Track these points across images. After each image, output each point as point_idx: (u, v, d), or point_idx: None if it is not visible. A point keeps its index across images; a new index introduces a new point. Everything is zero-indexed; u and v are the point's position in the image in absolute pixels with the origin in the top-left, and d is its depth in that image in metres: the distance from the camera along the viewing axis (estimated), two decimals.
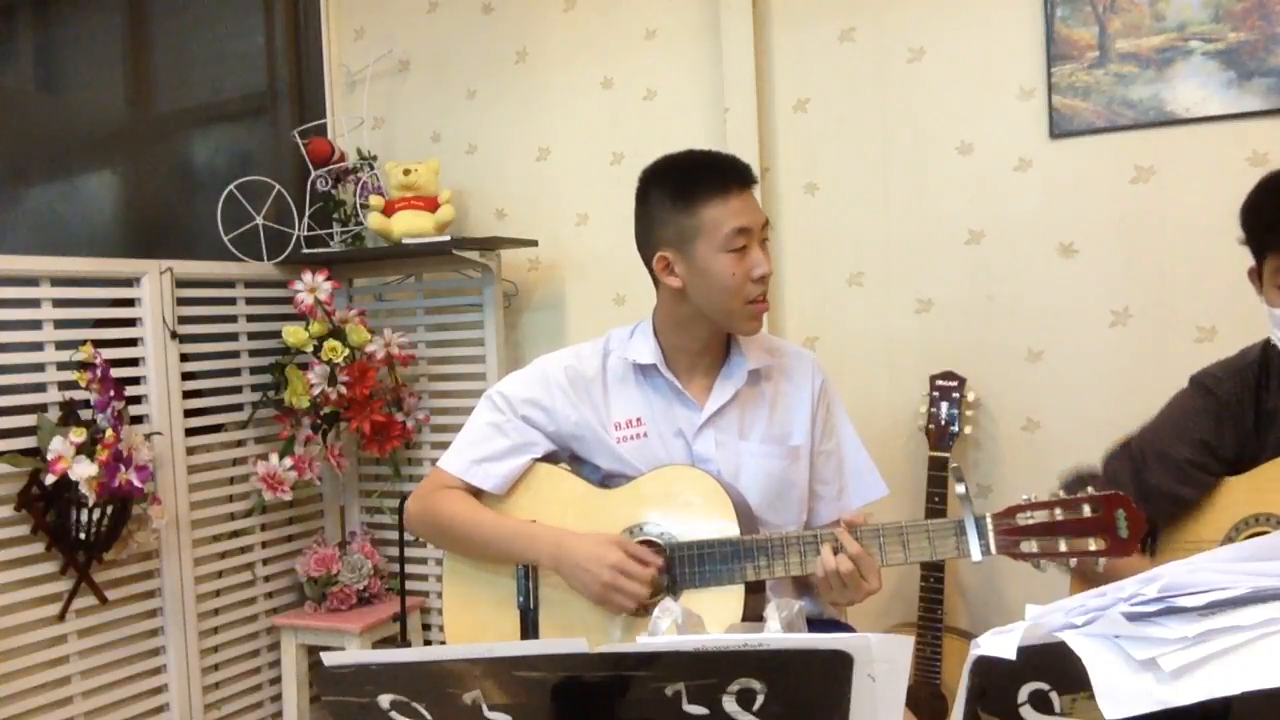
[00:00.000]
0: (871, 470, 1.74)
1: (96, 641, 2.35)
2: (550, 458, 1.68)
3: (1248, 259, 1.60)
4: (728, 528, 1.50)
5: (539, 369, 1.70)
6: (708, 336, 1.65)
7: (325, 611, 2.74)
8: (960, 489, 1.40)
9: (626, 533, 1.56)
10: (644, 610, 1.51)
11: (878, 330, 2.52)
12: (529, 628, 1.56)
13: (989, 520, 1.39)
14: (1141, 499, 1.56)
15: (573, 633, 1.55)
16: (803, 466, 1.68)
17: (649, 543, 1.55)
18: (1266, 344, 1.64)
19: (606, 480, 1.67)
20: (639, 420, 1.65)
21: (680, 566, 1.51)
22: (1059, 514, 1.36)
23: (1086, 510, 1.35)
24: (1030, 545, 1.37)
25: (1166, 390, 1.71)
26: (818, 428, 1.70)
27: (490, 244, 2.74)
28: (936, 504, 2.27)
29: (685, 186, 1.59)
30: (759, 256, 1.56)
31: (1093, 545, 1.34)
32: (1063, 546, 1.35)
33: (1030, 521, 1.37)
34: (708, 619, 1.37)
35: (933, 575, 2.27)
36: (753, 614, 1.51)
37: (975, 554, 1.38)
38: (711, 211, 1.56)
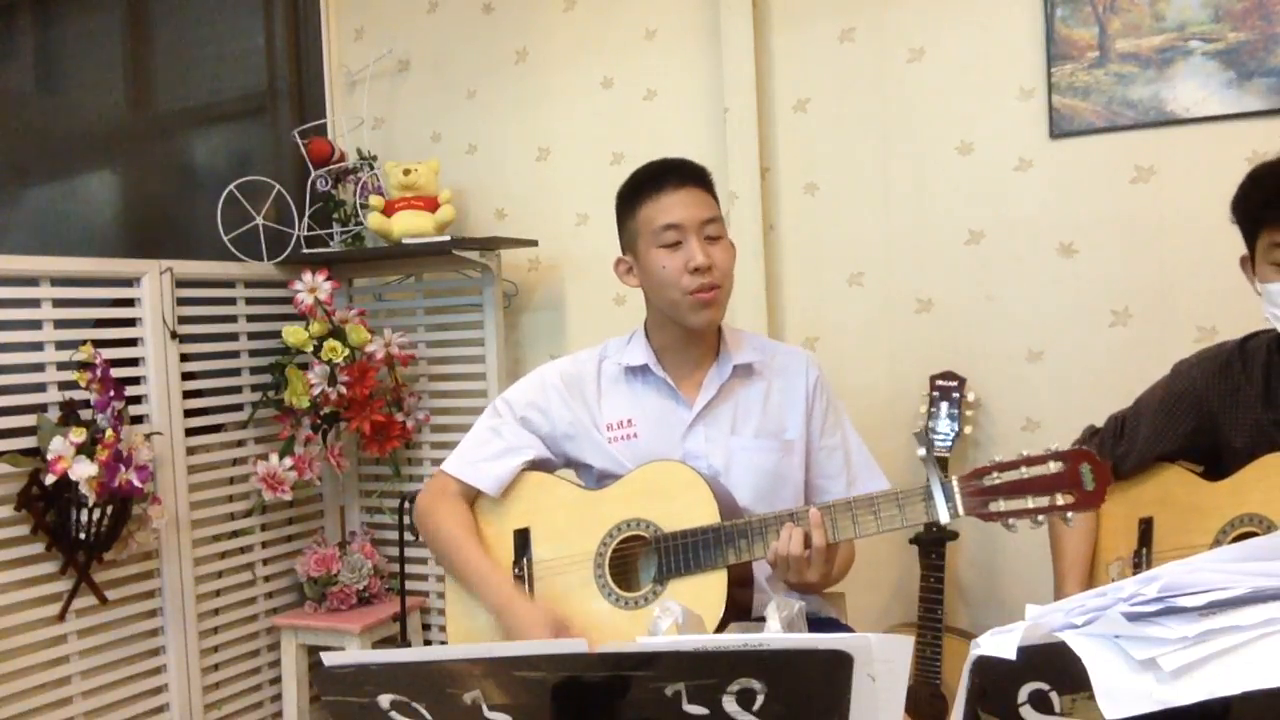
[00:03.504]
0: (873, 465, 1.77)
1: (96, 641, 2.35)
2: (545, 466, 1.74)
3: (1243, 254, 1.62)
4: (710, 516, 1.54)
5: (537, 375, 1.79)
6: (683, 334, 1.70)
7: (325, 611, 2.74)
8: (921, 452, 1.43)
9: (615, 529, 1.60)
10: (628, 601, 1.55)
11: (878, 330, 2.52)
12: None
13: (955, 483, 1.41)
14: (1100, 457, 1.72)
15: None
16: (796, 461, 1.71)
17: (636, 537, 1.59)
18: (1250, 336, 1.66)
19: (600, 481, 1.72)
20: (629, 421, 1.71)
21: (665, 557, 1.54)
22: (1025, 472, 1.38)
23: (1052, 466, 1.36)
24: (999, 505, 1.38)
25: None
26: (815, 422, 1.74)
27: (490, 244, 2.74)
28: None
29: (629, 192, 1.72)
30: (693, 249, 1.61)
31: (1060, 500, 1.36)
32: (1030, 503, 1.37)
33: (997, 481, 1.38)
34: (694, 605, 1.41)
35: (933, 575, 2.27)
36: (738, 597, 1.54)
37: (943, 516, 1.40)
38: (645, 210, 1.67)
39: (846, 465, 1.75)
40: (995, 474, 1.39)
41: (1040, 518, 1.37)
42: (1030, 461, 1.38)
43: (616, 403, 1.73)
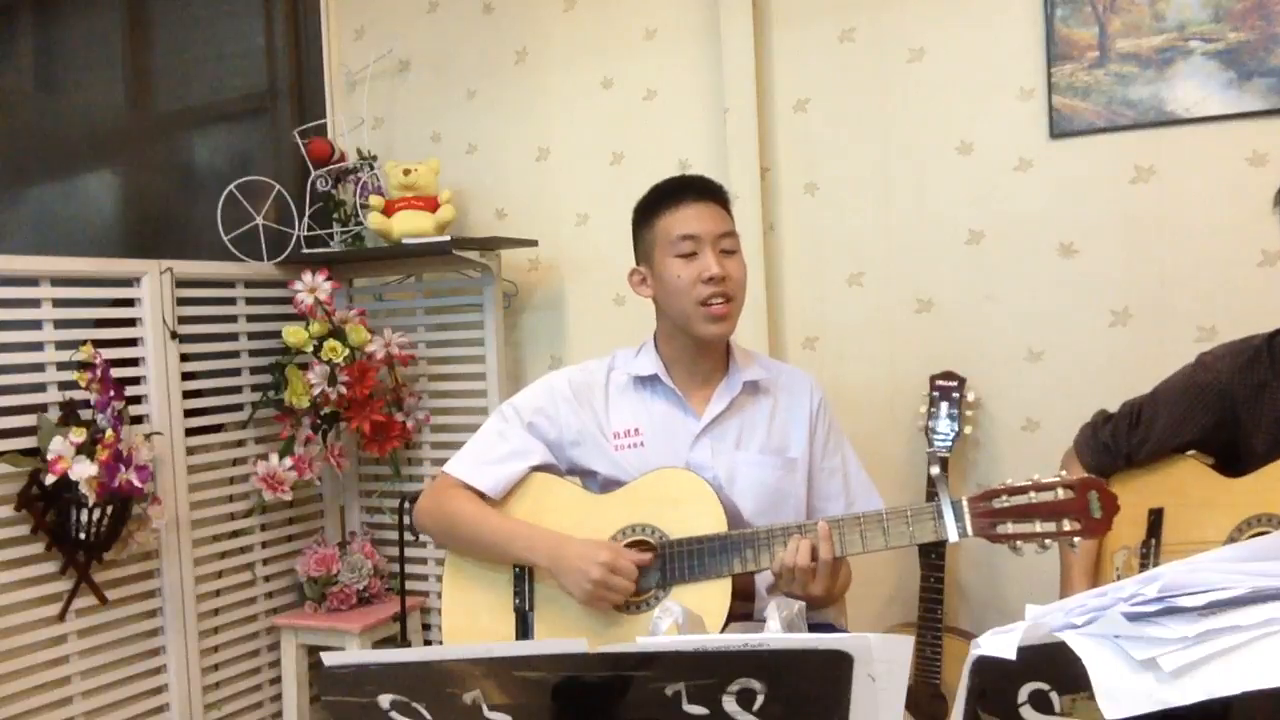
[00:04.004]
0: (871, 488, 1.79)
1: (96, 641, 2.35)
2: (549, 469, 1.74)
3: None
4: (717, 525, 1.54)
5: (545, 382, 1.80)
6: (693, 347, 1.72)
7: (325, 611, 2.74)
8: (934, 470, 1.45)
9: (620, 533, 1.60)
10: (630, 606, 1.55)
11: (878, 331, 2.52)
12: (524, 630, 1.61)
13: (965, 503, 1.43)
14: (1114, 444, 1.74)
15: (567, 634, 1.57)
16: (798, 479, 1.72)
17: (641, 542, 1.59)
18: (1278, 331, 1.65)
19: (605, 488, 1.72)
20: (637, 430, 1.72)
21: (671, 563, 1.54)
22: (1034, 497, 1.40)
23: (1060, 493, 1.39)
24: (1007, 527, 1.41)
25: None
26: (817, 443, 1.75)
27: (490, 244, 2.74)
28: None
29: (648, 205, 1.74)
30: (708, 260, 1.64)
31: (1067, 526, 1.38)
32: (1038, 528, 1.39)
33: (1006, 504, 1.41)
34: (697, 611, 1.40)
35: (933, 575, 2.27)
36: (742, 608, 1.53)
37: (952, 535, 1.43)
38: (663, 221, 1.69)
39: (845, 488, 1.77)
40: (1005, 497, 1.41)
41: (1047, 542, 1.39)
42: (1040, 487, 1.40)
43: (624, 412, 1.74)
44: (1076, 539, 1.39)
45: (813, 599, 1.50)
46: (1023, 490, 1.41)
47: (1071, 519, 1.38)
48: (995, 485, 1.43)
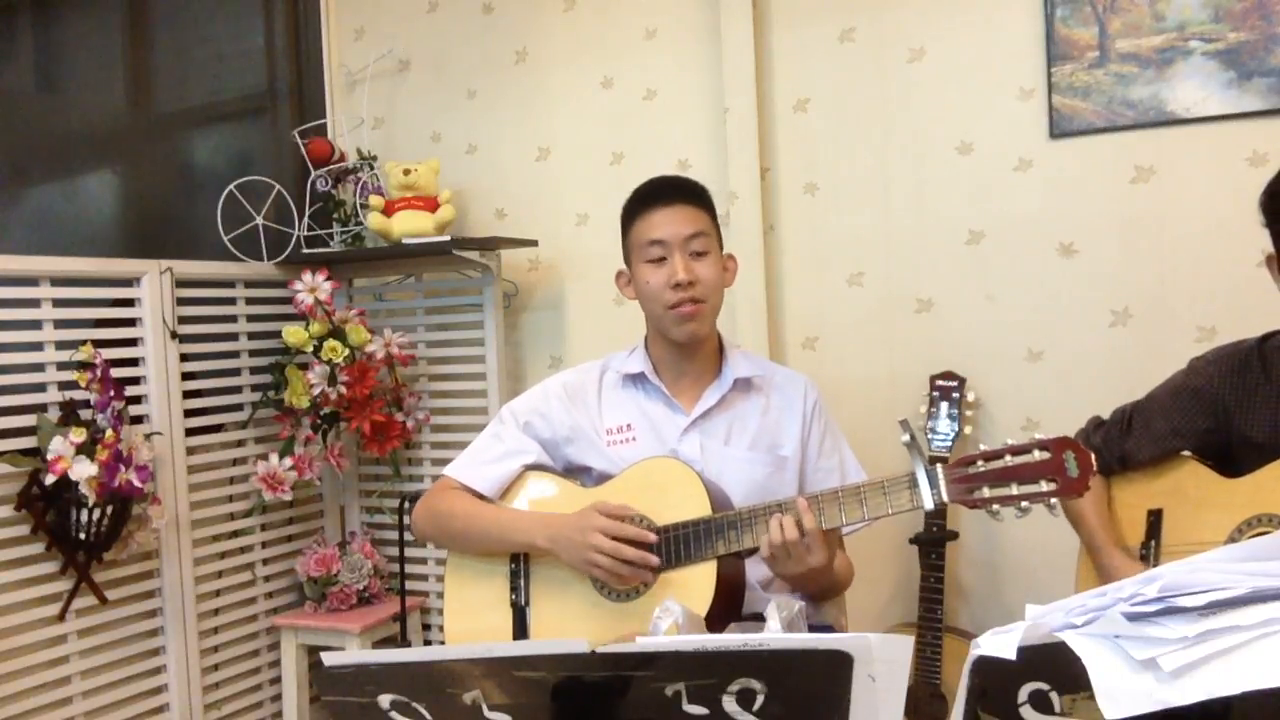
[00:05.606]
0: None
1: (96, 641, 2.35)
2: (542, 468, 1.77)
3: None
4: (701, 509, 1.55)
5: (540, 386, 1.85)
6: (676, 348, 1.74)
7: (325, 611, 2.74)
8: (905, 438, 1.42)
9: None
10: (621, 594, 1.56)
11: (877, 330, 2.52)
12: (521, 624, 1.64)
13: (940, 470, 1.42)
14: (1106, 448, 1.74)
15: (562, 625, 1.60)
16: (789, 478, 1.73)
17: None
18: (1269, 335, 1.65)
19: (599, 483, 1.73)
20: (629, 426, 1.75)
21: (657, 550, 1.56)
22: (1010, 460, 1.39)
23: (1037, 454, 1.38)
24: (983, 492, 1.39)
25: None
26: (811, 444, 1.76)
27: (490, 244, 2.74)
28: None
29: (628, 208, 1.79)
30: (676, 264, 1.66)
31: (1044, 486, 1.37)
32: (1015, 490, 1.38)
33: (982, 469, 1.40)
34: (683, 596, 1.42)
35: (933, 575, 2.27)
36: (729, 592, 1.54)
37: (928, 503, 1.41)
38: (637, 227, 1.73)
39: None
40: (981, 462, 1.40)
41: (1025, 504, 1.38)
42: (1016, 450, 1.39)
43: (616, 409, 1.77)
44: (1055, 499, 1.37)
45: (813, 575, 1.49)
46: (998, 454, 1.40)
47: (1048, 479, 1.36)
48: (971, 452, 1.42)
